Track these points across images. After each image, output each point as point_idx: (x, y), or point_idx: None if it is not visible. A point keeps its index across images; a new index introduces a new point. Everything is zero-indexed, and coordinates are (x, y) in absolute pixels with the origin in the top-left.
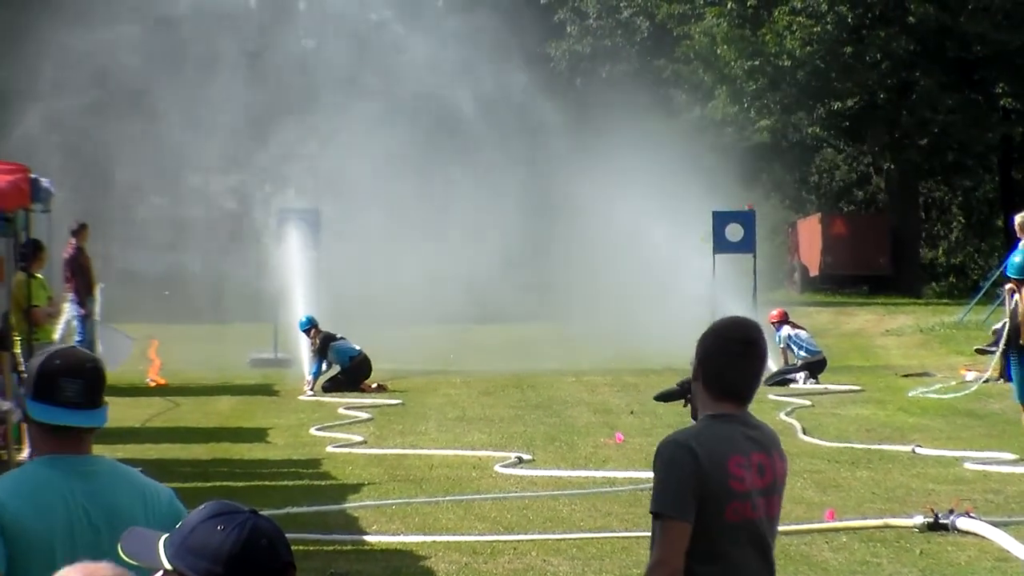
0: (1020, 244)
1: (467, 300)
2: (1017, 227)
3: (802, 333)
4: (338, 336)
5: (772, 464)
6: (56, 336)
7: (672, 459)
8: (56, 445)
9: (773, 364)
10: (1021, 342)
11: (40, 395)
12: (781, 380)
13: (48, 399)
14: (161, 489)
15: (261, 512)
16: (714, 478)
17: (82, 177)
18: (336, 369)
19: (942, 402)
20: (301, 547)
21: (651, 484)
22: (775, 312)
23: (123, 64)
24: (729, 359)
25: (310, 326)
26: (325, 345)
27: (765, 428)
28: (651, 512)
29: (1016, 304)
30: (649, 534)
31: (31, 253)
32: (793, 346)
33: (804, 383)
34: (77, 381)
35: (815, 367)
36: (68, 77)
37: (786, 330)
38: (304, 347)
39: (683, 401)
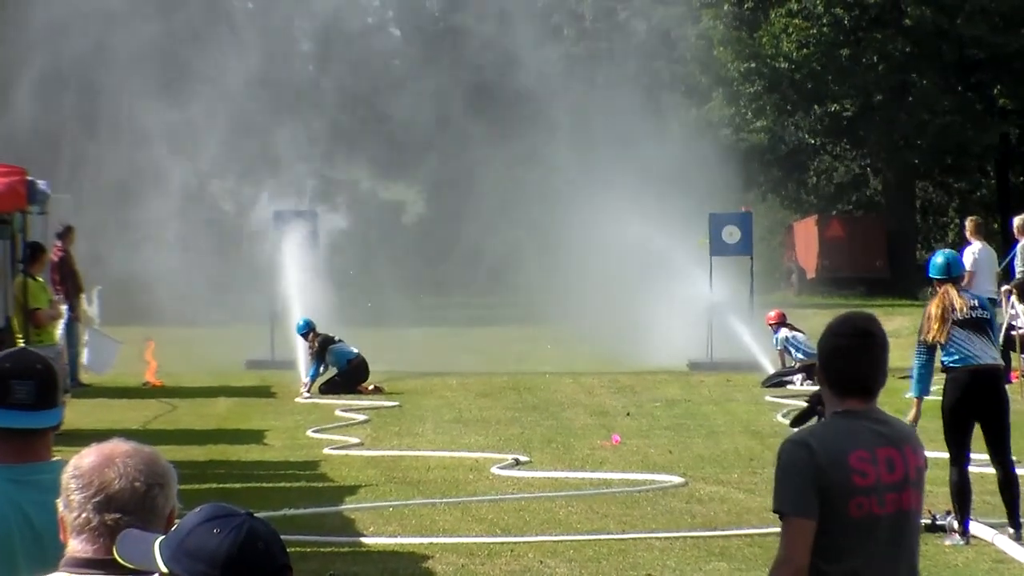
0: (1019, 246)
1: (462, 302)
2: (1016, 229)
3: (799, 335)
4: (336, 339)
5: (903, 458)
6: (58, 338)
7: (790, 457)
8: (10, 450)
9: (770, 366)
10: (922, 337)
11: None
12: (779, 382)
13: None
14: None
15: (257, 514)
16: (833, 474)
17: (76, 178)
18: (333, 372)
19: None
20: (298, 549)
21: (647, 486)
22: (773, 314)
23: (116, 63)
24: (846, 354)
25: (308, 330)
26: (324, 348)
27: (895, 423)
28: (774, 511)
29: (1013, 306)
30: (646, 535)
31: (31, 255)
32: (791, 348)
33: (801, 384)
34: (27, 382)
35: (813, 369)
36: (61, 74)
37: (784, 332)
38: (301, 350)
39: (817, 416)
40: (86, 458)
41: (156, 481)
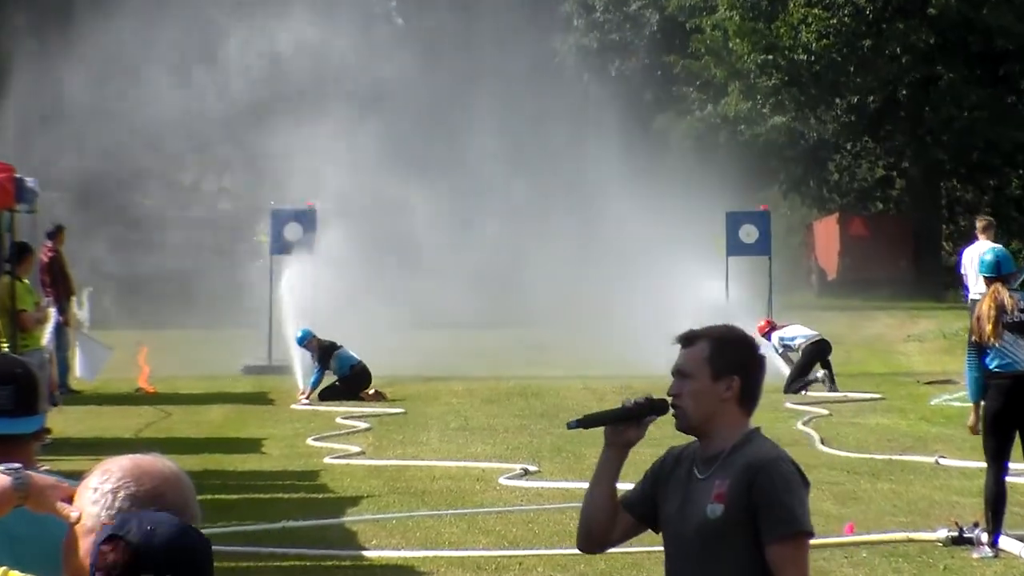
0: None
1: (470, 304)
2: None
3: (787, 330)
4: (339, 344)
5: None
6: (44, 342)
7: (795, 476)
8: None
9: (785, 370)
10: (974, 339)
11: None
12: (802, 384)
13: None
14: None
15: (255, 527)
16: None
17: (68, 177)
18: (333, 378)
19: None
20: (298, 563)
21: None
22: (762, 322)
23: (107, 60)
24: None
25: (308, 339)
26: (328, 354)
27: None
28: (795, 532)
29: None
30: (659, 549)
31: (17, 256)
32: (788, 344)
33: (824, 381)
34: (7, 387)
35: (819, 350)
36: (51, 72)
37: (776, 335)
38: (297, 355)
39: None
40: (117, 465)
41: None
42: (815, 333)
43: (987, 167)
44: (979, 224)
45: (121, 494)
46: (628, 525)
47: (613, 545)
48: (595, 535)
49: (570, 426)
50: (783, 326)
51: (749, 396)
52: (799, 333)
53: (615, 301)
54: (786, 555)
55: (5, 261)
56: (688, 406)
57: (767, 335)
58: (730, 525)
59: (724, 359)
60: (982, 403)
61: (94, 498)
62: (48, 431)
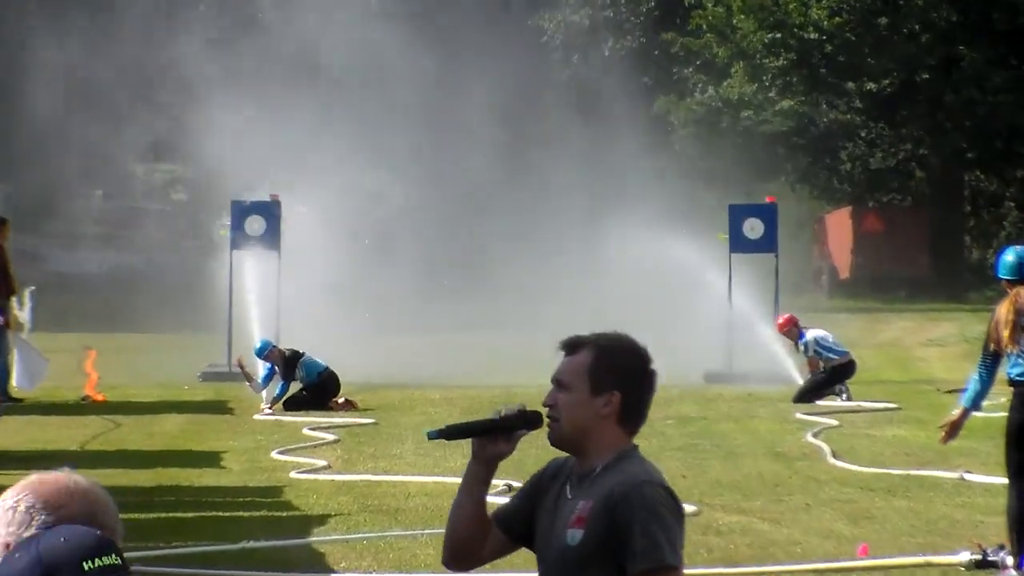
0: None
1: (449, 304)
2: None
3: (827, 335)
4: (302, 352)
5: None
6: None
7: (664, 502)
8: None
9: (799, 376)
10: (992, 347)
11: None
12: (815, 396)
13: None
14: None
15: (214, 547)
16: (683, 523)
17: (6, 165)
18: (298, 386)
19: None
20: None
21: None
22: (783, 319)
23: (52, 40)
24: (653, 384)
25: (268, 350)
26: (292, 363)
27: None
28: (659, 567)
29: None
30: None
31: None
32: (822, 351)
33: (844, 399)
34: None
35: (846, 370)
36: None
37: (811, 335)
38: (260, 365)
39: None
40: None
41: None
42: (846, 351)
43: (1013, 155)
44: None
45: (21, 507)
46: (500, 543)
47: (483, 563)
48: (461, 553)
49: (430, 436)
50: (811, 327)
51: (631, 414)
52: (836, 346)
53: (608, 303)
54: None
55: None
56: (563, 419)
57: (799, 332)
58: (589, 553)
59: (606, 371)
60: (974, 412)
61: None
62: None
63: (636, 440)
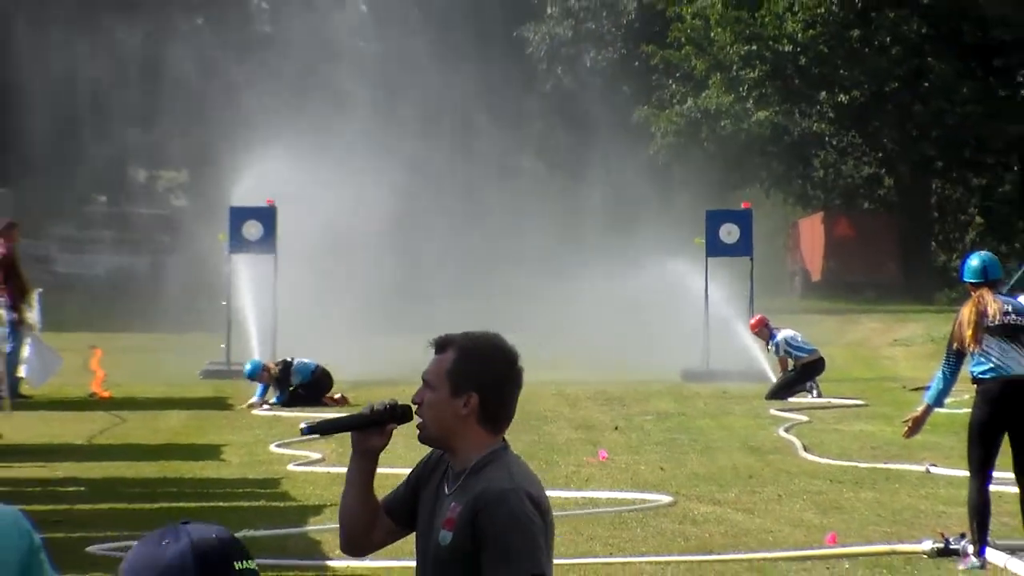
0: None
1: (437, 305)
2: None
3: (796, 335)
4: (292, 359)
5: None
6: None
7: (526, 511)
8: None
9: (772, 374)
10: (955, 346)
11: None
12: (786, 393)
13: None
14: (5, 513)
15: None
16: (550, 524)
17: (15, 172)
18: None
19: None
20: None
21: (636, 506)
22: (755, 320)
23: (58, 50)
24: (519, 384)
25: (258, 372)
26: (286, 373)
27: None
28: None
29: None
30: (636, 559)
31: None
32: (792, 350)
33: (810, 390)
34: None
35: (815, 368)
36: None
37: (782, 335)
38: (258, 350)
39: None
40: None
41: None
42: (815, 349)
43: (978, 164)
44: None
45: None
46: (389, 529)
47: (377, 548)
48: (354, 539)
49: (303, 432)
50: (782, 327)
51: (492, 415)
52: (805, 345)
53: (590, 305)
54: None
55: None
56: (427, 418)
57: (770, 332)
58: (456, 556)
59: (465, 373)
60: (936, 409)
61: None
62: None
63: (617, 436)
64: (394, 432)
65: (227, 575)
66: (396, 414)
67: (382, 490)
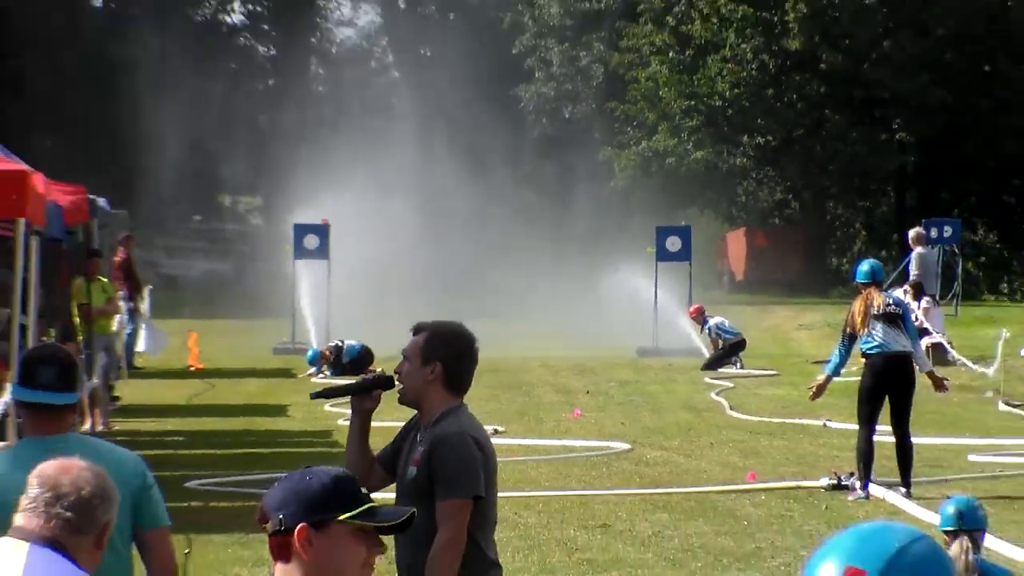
0: (912, 254)
1: (453, 299)
2: (911, 239)
3: (724, 321)
4: (342, 342)
5: None
6: (114, 328)
7: (469, 449)
8: (35, 424)
9: (706, 351)
10: (848, 330)
11: (22, 381)
12: (717, 365)
13: (28, 383)
14: (127, 457)
15: (270, 473)
16: (491, 459)
17: (132, 194)
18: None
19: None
20: None
21: (603, 451)
22: (693, 308)
23: (173, 106)
24: (473, 359)
25: (317, 358)
26: (339, 354)
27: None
28: (457, 496)
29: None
30: (603, 492)
31: (87, 259)
32: (721, 332)
33: (738, 368)
34: (51, 368)
35: (739, 346)
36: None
37: (713, 320)
38: (315, 340)
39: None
40: (50, 465)
41: (99, 494)
42: (739, 332)
43: (864, 191)
44: (912, 235)
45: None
46: (382, 476)
47: (374, 491)
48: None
49: (312, 396)
50: (714, 316)
51: (454, 380)
52: (729, 327)
53: (570, 298)
54: (445, 513)
55: (78, 265)
56: (405, 384)
57: (703, 318)
58: (421, 485)
59: (432, 348)
60: (834, 378)
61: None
62: (118, 398)
63: (588, 398)
64: (381, 397)
65: (356, 496)
66: (381, 382)
67: (381, 439)
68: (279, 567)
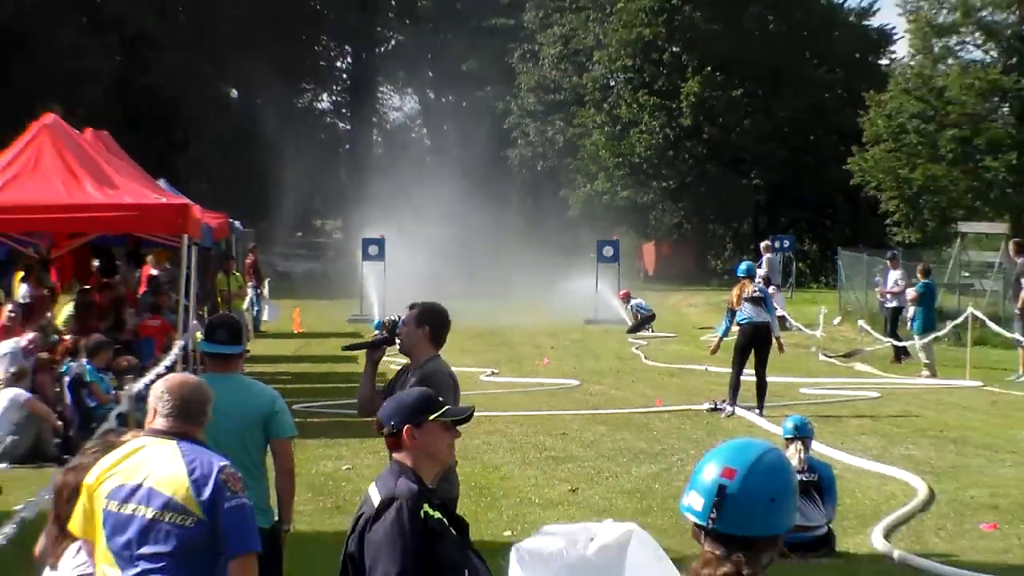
0: (763, 258)
1: (463, 286)
2: (763, 248)
3: (642, 301)
4: (398, 317)
5: None
6: (244, 306)
7: (444, 379)
8: (214, 365)
9: (629, 321)
10: (729, 306)
11: (207, 337)
12: (637, 330)
13: (211, 339)
14: (266, 392)
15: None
16: (457, 386)
17: (262, 213)
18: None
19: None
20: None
21: (562, 386)
22: (622, 292)
23: (269, 152)
24: (447, 327)
25: (380, 326)
26: (394, 326)
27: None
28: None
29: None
30: (562, 412)
31: (224, 260)
32: (640, 309)
33: (648, 329)
34: (225, 329)
35: (651, 318)
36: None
37: (635, 301)
38: (378, 313)
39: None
40: (171, 379)
41: (207, 399)
42: (651, 308)
43: (732, 217)
44: (763, 245)
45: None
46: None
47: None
48: (364, 408)
49: (343, 349)
50: (636, 298)
51: (436, 338)
52: (646, 305)
53: (542, 287)
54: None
55: (221, 264)
56: (403, 339)
57: (628, 299)
58: None
59: (422, 317)
60: (726, 338)
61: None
62: (248, 351)
63: (553, 352)
64: (385, 351)
65: (436, 403)
66: (387, 340)
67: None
68: (395, 456)
